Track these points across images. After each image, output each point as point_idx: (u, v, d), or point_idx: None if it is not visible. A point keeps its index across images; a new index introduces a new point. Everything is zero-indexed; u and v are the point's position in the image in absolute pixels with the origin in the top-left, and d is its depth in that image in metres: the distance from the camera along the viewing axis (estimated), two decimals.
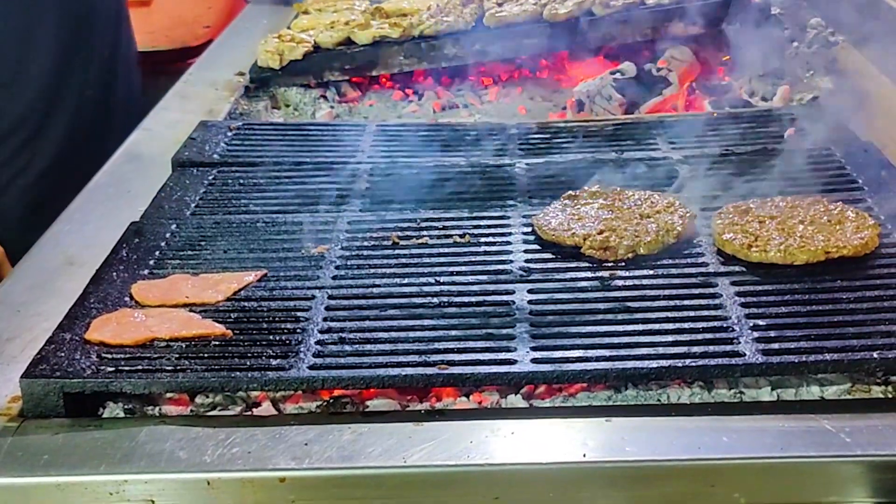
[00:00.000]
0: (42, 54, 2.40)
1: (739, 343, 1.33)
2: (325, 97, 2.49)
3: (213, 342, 1.38)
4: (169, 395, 1.35)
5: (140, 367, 1.33)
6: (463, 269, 1.55)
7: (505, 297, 1.47)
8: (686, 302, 1.44)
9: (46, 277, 1.65)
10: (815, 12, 2.75)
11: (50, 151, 2.42)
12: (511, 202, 1.77)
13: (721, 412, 1.29)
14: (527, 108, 2.45)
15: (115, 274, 1.56)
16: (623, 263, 1.55)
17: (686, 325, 1.38)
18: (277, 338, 1.39)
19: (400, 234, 1.66)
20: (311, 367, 1.32)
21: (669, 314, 1.41)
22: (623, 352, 1.33)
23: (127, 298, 1.50)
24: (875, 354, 1.29)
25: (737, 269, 1.51)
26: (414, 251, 1.61)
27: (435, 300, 1.47)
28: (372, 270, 1.56)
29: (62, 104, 2.43)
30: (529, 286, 1.50)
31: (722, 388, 1.34)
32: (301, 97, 2.46)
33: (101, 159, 2.09)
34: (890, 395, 1.31)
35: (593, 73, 2.42)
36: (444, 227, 1.68)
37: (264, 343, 1.38)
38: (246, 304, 1.48)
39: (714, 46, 2.50)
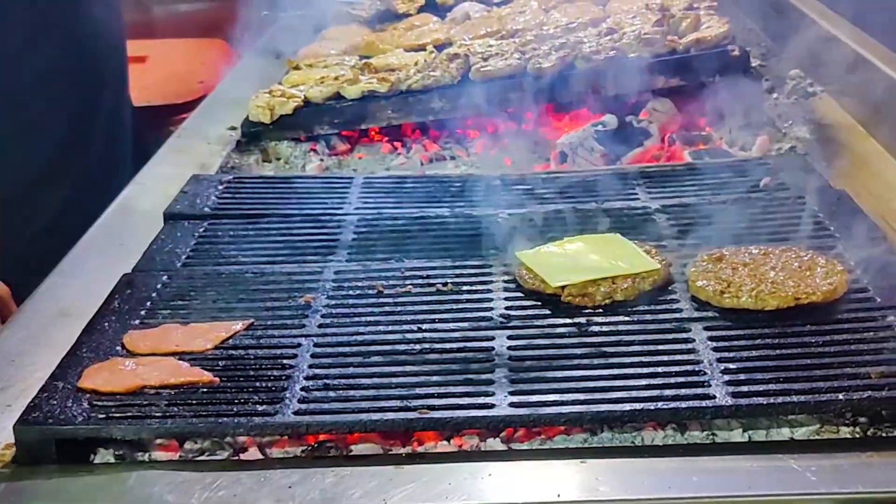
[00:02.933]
0: (55, 106, 2.48)
1: (710, 386, 1.38)
2: (315, 150, 2.54)
3: (202, 389, 1.43)
4: (158, 441, 1.38)
5: (130, 414, 1.38)
6: (445, 316, 1.60)
7: (485, 344, 1.51)
8: (660, 347, 1.49)
9: (41, 328, 1.69)
10: (795, 64, 2.82)
11: (58, 202, 2.49)
12: (493, 251, 1.82)
13: (693, 453, 1.33)
14: (512, 159, 2.51)
15: (107, 324, 1.61)
16: (600, 310, 1.59)
17: (660, 370, 1.43)
18: (264, 384, 1.43)
19: (385, 283, 1.71)
20: (296, 413, 1.36)
21: (644, 359, 1.46)
22: (598, 395, 1.38)
23: (119, 348, 1.54)
24: (841, 396, 1.34)
25: (710, 314, 1.56)
26: (398, 300, 1.66)
27: (417, 347, 1.51)
28: (357, 319, 1.61)
29: (73, 155, 2.51)
30: (509, 332, 1.54)
31: (695, 431, 1.38)
32: (291, 150, 2.52)
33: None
34: (857, 436, 1.35)
35: (576, 125, 2.48)
36: (428, 277, 1.72)
37: (251, 390, 1.42)
38: (234, 352, 1.52)
39: (695, 98, 2.56)
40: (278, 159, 2.51)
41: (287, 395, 1.40)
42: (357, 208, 2.04)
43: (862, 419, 1.37)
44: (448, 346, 1.51)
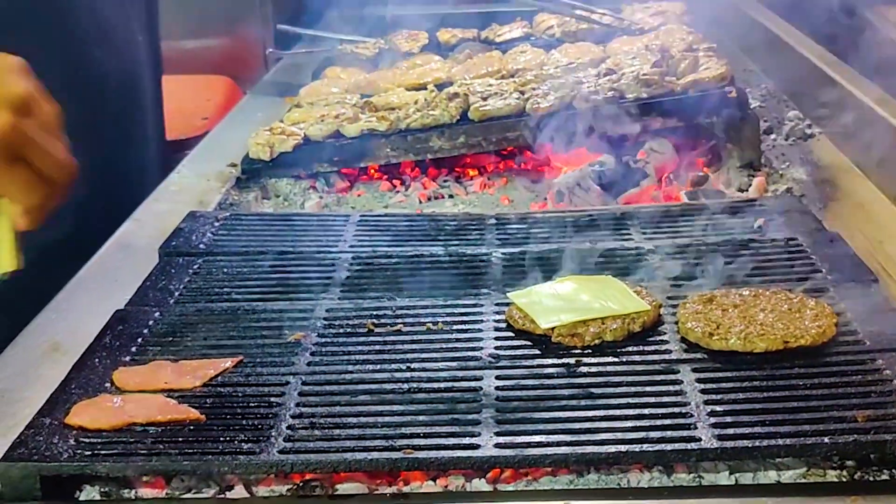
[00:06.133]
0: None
1: (697, 428, 1.37)
2: (314, 188, 2.56)
3: (189, 426, 1.43)
4: (144, 478, 1.38)
5: (116, 451, 1.38)
6: (434, 355, 1.60)
7: (473, 384, 1.51)
8: (648, 388, 1.48)
9: (32, 364, 1.70)
10: (794, 105, 2.84)
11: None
12: (485, 290, 1.82)
13: (679, 496, 1.32)
14: (510, 198, 2.52)
15: (97, 360, 1.61)
16: (590, 350, 1.59)
17: (647, 411, 1.42)
18: (250, 422, 1.43)
19: (375, 321, 1.71)
20: (281, 452, 1.36)
21: (631, 400, 1.45)
22: (584, 437, 1.37)
23: (108, 384, 1.55)
24: (826, 439, 1.33)
25: (699, 356, 1.56)
26: (388, 338, 1.66)
27: (405, 386, 1.51)
28: (346, 357, 1.61)
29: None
30: (497, 373, 1.54)
31: (682, 473, 1.37)
32: (291, 188, 2.53)
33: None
34: (844, 479, 1.35)
35: (574, 165, 2.49)
36: (419, 315, 1.73)
37: (237, 427, 1.42)
38: (222, 389, 1.52)
39: (693, 139, 2.57)
40: (277, 196, 2.52)
41: (273, 434, 1.40)
42: (352, 246, 2.04)
43: (849, 462, 1.36)
44: (436, 385, 1.51)
